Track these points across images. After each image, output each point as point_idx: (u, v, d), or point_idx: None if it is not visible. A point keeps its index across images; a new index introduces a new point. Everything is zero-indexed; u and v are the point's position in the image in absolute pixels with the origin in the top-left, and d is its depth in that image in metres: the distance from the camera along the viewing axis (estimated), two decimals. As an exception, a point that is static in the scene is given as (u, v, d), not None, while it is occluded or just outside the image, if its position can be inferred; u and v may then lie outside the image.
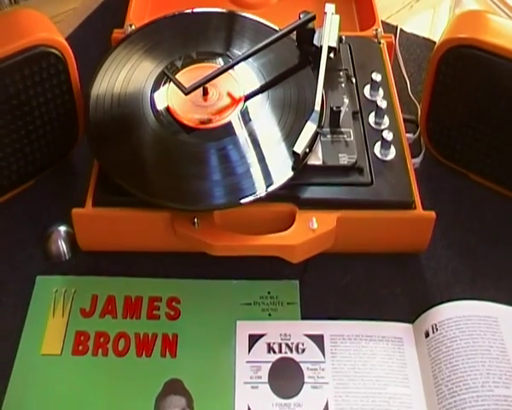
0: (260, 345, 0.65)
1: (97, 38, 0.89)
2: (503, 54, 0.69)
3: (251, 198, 0.66)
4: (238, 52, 0.77)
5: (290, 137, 0.70)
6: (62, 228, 0.72)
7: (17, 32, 0.68)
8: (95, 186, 0.69)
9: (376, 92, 0.77)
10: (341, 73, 0.78)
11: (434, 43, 0.91)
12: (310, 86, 0.74)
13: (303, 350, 0.64)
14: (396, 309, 0.68)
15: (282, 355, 0.64)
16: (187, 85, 0.71)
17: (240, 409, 0.61)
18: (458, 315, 0.65)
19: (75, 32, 0.96)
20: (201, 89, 0.73)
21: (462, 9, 1.71)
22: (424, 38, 0.96)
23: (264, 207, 0.68)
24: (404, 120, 0.77)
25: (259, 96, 0.74)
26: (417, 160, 0.78)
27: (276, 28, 0.80)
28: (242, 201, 0.65)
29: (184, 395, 0.62)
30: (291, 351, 0.64)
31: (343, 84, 0.77)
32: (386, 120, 0.74)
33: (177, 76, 0.74)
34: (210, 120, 0.71)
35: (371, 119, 0.74)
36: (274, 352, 0.64)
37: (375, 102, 0.74)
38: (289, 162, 0.68)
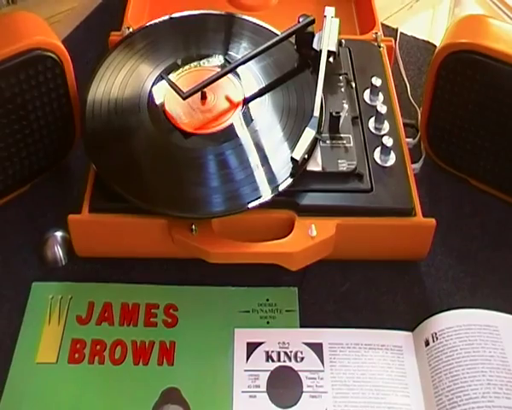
0: (258, 353, 0.64)
1: (95, 40, 0.88)
2: (504, 59, 0.68)
3: (256, 203, 0.65)
4: (237, 55, 0.76)
5: (289, 142, 0.69)
6: (59, 233, 0.71)
7: (13, 35, 0.68)
8: (91, 192, 0.68)
9: (376, 97, 0.76)
10: (341, 78, 0.77)
11: (435, 46, 0.91)
12: (309, 91, 0.73)
13: (302, 359, 0.64)
14: (396, 317, 0.67)
15: (281, 364, 0.64)
16: (185, 90, 0.71)
17: (238, 419, 0.60)
18: (458, 324, 0.64)
19: (72, 33, 0.95)
20: (199, 93, 0.72)
21: (462, 9, 1.71)
22: (424, 41, 0.96)
23: (263, 214, 0.67)
24: (404, 124, 0.76)
25: (258, 100, 0.73)
26: (417, 165, 0.77)
27: (276, 31, 0.79)
28: (250, 205, 0.65)
29: (182, 403, 0.61)
30: (290, 360, 0.64)
31: (343, 89, 0.76)
32: (386, 126, 0.73)
33: (175, 80, 0.73)
34: (208, 125, 0.70)
35: (371, 124, 0.74)
36: (272, 360, 0.64)
37: (374, 107, 0.74)
38: (288, 168, 0.67)
